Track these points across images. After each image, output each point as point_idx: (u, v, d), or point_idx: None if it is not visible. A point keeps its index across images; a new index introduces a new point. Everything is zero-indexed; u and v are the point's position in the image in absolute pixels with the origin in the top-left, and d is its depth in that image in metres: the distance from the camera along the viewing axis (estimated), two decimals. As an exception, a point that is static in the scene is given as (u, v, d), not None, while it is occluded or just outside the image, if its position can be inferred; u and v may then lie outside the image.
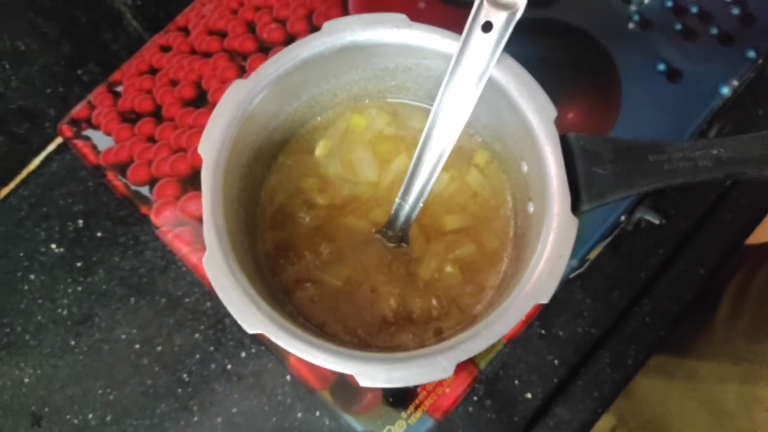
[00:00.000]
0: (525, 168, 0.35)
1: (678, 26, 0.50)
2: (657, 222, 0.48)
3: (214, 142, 0.31)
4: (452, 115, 0.34)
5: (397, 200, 0.37)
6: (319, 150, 0.40)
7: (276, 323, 0.29)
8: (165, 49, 0.50)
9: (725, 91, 0.48)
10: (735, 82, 0.48)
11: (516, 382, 0.51)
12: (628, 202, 0.46)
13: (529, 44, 0.49)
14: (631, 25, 0.50)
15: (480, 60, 0.32)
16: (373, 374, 0.29)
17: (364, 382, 0.29)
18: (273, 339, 0.29)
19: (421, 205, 0.37)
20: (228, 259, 0.30)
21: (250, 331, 0.29)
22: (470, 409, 0.51)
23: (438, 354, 0.29)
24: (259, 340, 0.50)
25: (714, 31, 0.49)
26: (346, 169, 0.40)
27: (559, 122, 0.33)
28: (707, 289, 0.53)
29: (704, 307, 0.60)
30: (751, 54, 0.48)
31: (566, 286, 0.52)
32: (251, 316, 0.29)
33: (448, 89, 0.33)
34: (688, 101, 0.48)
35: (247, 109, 0.33)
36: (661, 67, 0.48)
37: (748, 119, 0.55)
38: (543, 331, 0.52)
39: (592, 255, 0.50)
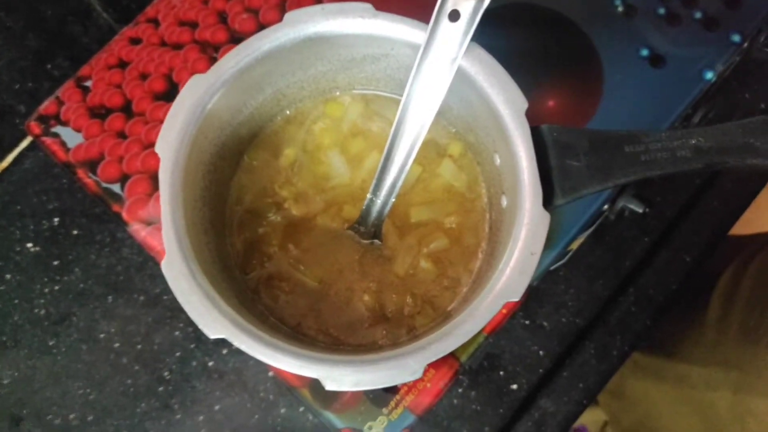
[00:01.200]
0: (498, 160, 0.34)
1: (661, 11, 0.48)
2: (640, 211, 0.47)
3: (171, 140, 0.30)
4: (422, 106, 0.33)
5: (368, 196, 0.36)
6: (284, 159, 0.39)
7: (238, 327, 0.28)
8: (134, 41, 0.49)
9: (709, 75, 0.47)
10: (720, 67, 0.46)
11: (501, 373, 0.51)
12: (610, 191, 0.45)
13: (507, 30, 0.48)
14: (612, 10, 0.48)
15: (448, 50, 0.31)
16: (340, 378, 0.28)
17: (330, 386, 0.28)
18: (235, 343, 0.28)
19: (393, 200, 0.36)
20: (188, 261, 0.29)
21: (212, 336, 0.28)
22: (455, 401, 0.51)
23: (407, 355, 0.28)
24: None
25: (698, 15, 0.48)
26: (318, 177, 0.39)
27: (539, 110, 0.32)
28: (697, 284, 0.52)
29: (694, 304, 0.59)
30: (736, 38, 0.47)
31: (550, 276, 0.52)
32: (212, 320, 0.28)
33: (416, 80, 0.32)
34: (672, 87, 0.47)
35: (206, 105, 0.31)
36: (644, 52, 0.47)
37: (734, 103, 0.55)
38: (527, 322, 0.52)
39: (575, 245, 0.49)
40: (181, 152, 0.30)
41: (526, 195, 0.30)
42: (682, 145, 0.31)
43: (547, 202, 0.31)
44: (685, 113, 0.47)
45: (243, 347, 0.28)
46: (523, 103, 0.31)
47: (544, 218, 0.30)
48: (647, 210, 0.48)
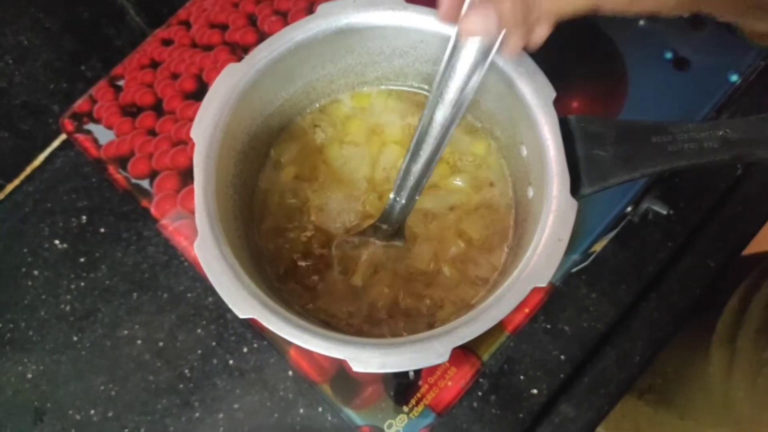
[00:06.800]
0: (524, 152, 0.34)
1: (685, 14, 0.49)
2: (664, 212, 0.47)
3: (206, 125, 0.31)
4: (450, 103, 0.32)
5: (391, 195, 0.36)
6: (285, 175, 0.39)
7: (268, 308, 0.29)
8: (166, 42, 0.50)
9: (734, 78, 0.47)
10: (744, 70, 0.47)
11: (521, 377, 0.50)
12: (634, 192, 0.45)
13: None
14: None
15: (479, 42, 0.31)
16: (367, 359, 0.28)
17: (357, 367, 0.28)
18: (265, 324, 0.28)
19: (417, 198, 0.36)
20: (220, 243, 0.29)
21: (242, 315, 0.28)
22: (475, 404, 0.50)
23: (433, 339, 0.28)
24: (260, 334, 0.50)
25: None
26: (341, 172, 0.39)
27: (563, 111, 0.32)
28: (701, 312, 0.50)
29: (697, 339, 0.56)
30: (760, 41, 0.47)
31: (571, 279, 0.51)
32: (242, 300, 0.28)
33: (446, 74, 0.32)
34: (696, 89, 0.47)
35: (240, 92, 0.32)
36: (668, 55, 0.48)
37: (760, 107, 0.54)
38: (548, 326, 0.51)
39: (598, 247, 0.49)
40: (215, 137, 0.31)
41: (554, 183, 0.30)
42: (710, 137, 0.31)
43: (575, 191, 0.31)
44: (710, 115, 0.47)
45: (272, 327, 0.28)
46: (551, 93, 0.31)
47: (572, 205, 0.30)
48: (671, 212, 0.48)
